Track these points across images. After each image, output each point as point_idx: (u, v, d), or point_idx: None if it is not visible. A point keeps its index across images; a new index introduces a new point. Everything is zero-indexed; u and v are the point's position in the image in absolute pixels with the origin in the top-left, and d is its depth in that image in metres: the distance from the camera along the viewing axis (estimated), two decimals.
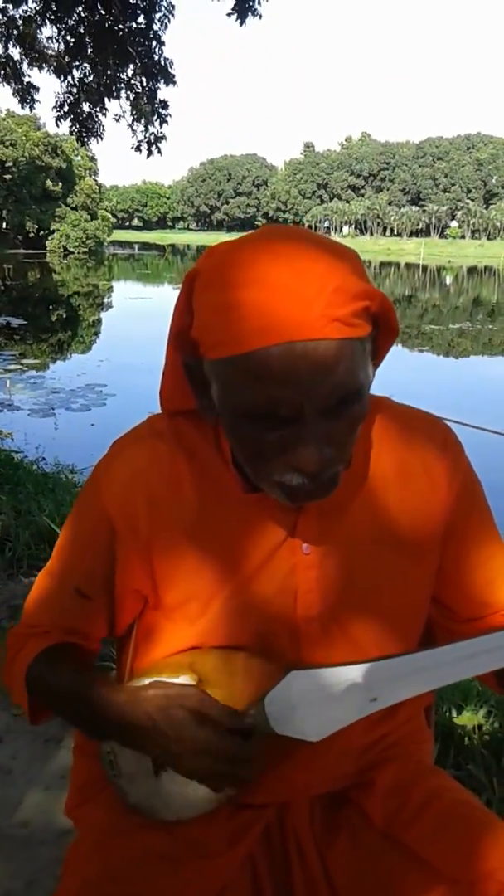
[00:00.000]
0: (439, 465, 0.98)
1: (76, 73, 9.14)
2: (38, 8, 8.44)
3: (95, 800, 1.05)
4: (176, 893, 0.89)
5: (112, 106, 9.50)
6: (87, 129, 9.62)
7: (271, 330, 0.74)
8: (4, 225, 67.21)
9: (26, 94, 9.38)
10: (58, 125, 9.62)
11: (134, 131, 9.51)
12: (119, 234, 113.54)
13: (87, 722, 0.97)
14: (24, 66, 9.06)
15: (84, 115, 9.47)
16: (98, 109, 9.44)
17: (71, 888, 0.88)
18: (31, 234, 67.49)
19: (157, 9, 8.67)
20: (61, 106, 9.32)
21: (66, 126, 9.57)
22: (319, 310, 0.74)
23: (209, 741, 0.86)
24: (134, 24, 8.67)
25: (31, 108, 9.76)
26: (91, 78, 9.16)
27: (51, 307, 25.25)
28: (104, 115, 9.51)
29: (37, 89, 9.50)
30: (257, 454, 0.82)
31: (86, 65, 9.09)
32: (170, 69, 9.07)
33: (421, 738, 1.13)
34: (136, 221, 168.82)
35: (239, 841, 0.98)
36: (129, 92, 9.21)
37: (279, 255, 0.76)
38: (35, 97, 9.59)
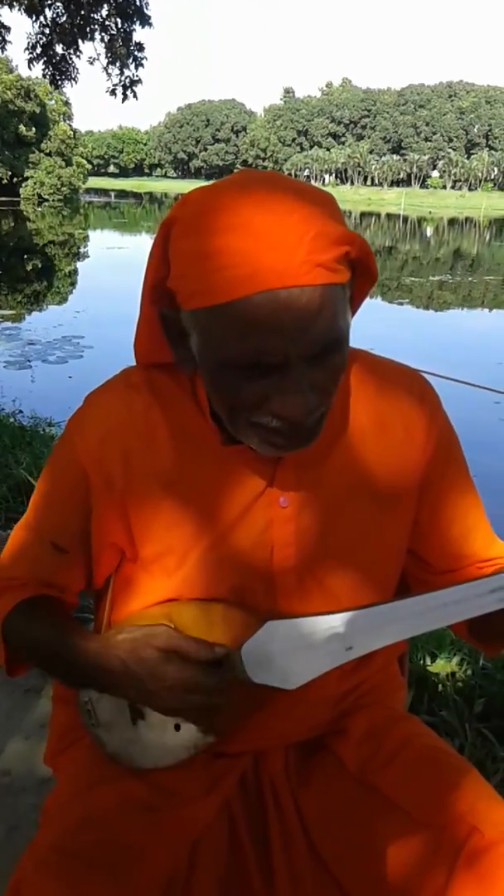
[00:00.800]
0: (416, 417, 0.98)
1: (49, 13, 8.87)
2: None
3: (74, 748, 1.06)
4: (154, 840, 0.91)
5: (86, 48, 9.24)
6: (60, 71, 9.37)
7: (254, 278, 0.72)
8: None
9: None
10: (30, 68, 9.38)
11: (109, 74, 9.30)
12: (95, 182, 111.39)
13: (64, 671, 0.98)
14: None
15: (57, 58, 9.22)
16: (72, 51, 9.19)
17: (50, 834, 0.90)
18: (4, 181, 65.94)
19: None
20: (34, 47, 9.06)
21: (38, 69, 9.34)
22: (302, 256, 0.72)
23: (181, 675, 0.87)
24: None
25: (3, 49, 9.48)
26: (64, 18, 8.88)
27: (25, 257, 24.76)
28: (78, 57, 9.27)
29: (8, 29, 9.22)
30: (239, 403, 0.81)
31: (59, 4, 8.80)
32: (145, 10, 8.82)
33: (394, 686, 1.16)
34: (112, 168, 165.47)
35: (215, 788, 1.00)
36: (103, 33, 8.97)
37: (258, 202, 0.75)
38: (6, 38, 9.29)
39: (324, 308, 0.75)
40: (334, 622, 0.88)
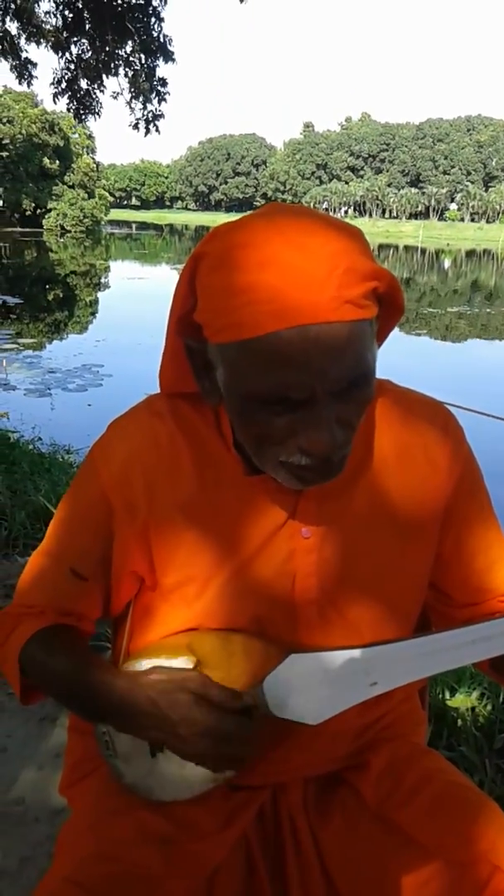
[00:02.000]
0: (440, 449, 0.98)
1: (74, 49, 9.05)
2: None
3: (89, 778, 1.05)
4: (169, 874, 0.90)
5: (110, 83, 9.45)
6: (84, 106, 9.53)
7: (283, 313, 0.72)
8: (1, 203, 66.68)
9: (24, 69, 9.28)
10: (55, 102, 9.54)
11: (132, 109, 9.44)
12: (116, 214, 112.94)
13: (85, 705, 0.96)
14: (22, 41, 8.95)
15: (82, 92, 9.38)
16: (96, 86, 9.35)
17: (64, 866, 0.88)
18: (28, 213, 67.01)
19: None
20: (59, 82, 9.23)
21: (63, 103, 9.49)
22: (331, 292, 0.72)
23: (212, 722, 0.87)
24: (133, 0, 8.56)
25: (29, 84, 9.67)
26: (89, 54, 9.06)
27: (47, 286, 25.08)
28: (102, 92, 9.43)
29: (34, 65, 9.40)
30: (265, 437, 0.81)
31: (84, 41, 8.99)
32: (169, 46, 8.99)
33: (415, 720, 1.14)
34: (133, 201, 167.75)
35: (233, 822, 0.98)
36: (127, 69, 9.12)
37: (287, 236, 0.75)
38: (33, 73, 9.49)
39: (351, 344, 0.75)
40: (358, 656, 0.87)
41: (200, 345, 0.83)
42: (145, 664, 0.93)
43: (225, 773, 0.93)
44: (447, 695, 2.27)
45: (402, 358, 11.66)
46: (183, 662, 0.91)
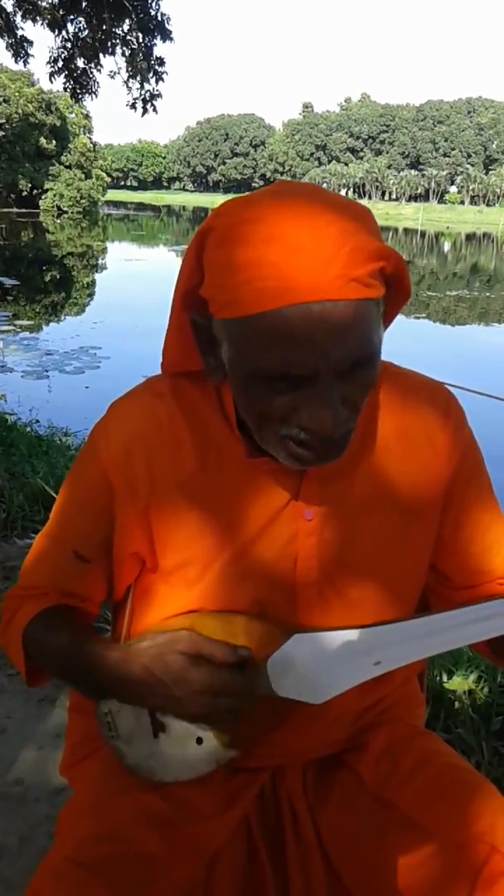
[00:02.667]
0: (441, 431, 0.97)
1: (71, 28, 8.99)
2: None
3: (90, 759, 1.06)
4: (170, 855, 0.90)
5: (107, 62, 9.36)
6: (81, 85, 9.47)
7: (288, 290, 0.72)
8: None
9: (20, 48, 9.21)
10: (52, 81, 9.50)
11: (129, 88, 9.39)
12: (114, 194, 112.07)
13: (84, 681, 0.97)
14: (18, 18, 8.87)
15: (78, 71, 9.32)
16: (93, 65, 9.30)
17: (65, 846, 0.89)
18: (25, 193, 66.53)
19: None
20: (55, 61, 9.16)
21: (60, 82, 9.44)
22: (337, 270, 0.72)
23: (208, 678, 0.87)
24: None
25: (25, 62, 9.60)
26: (86, 33, 8.99)
27: (44, 268, 24.95)
28: (99, 71, 9.38)
29: (31, 43, 9.33)
30: (268, 415, 0.80)
31: (80, 19, 8.91)
32: (166, 25, 8.92)
33: (414, 703, 1.14)
34: (131, 181, 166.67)
35: (233, 804, 0.99)
36: (124, 48, 9.06)
37: (295, 213, 0.74)
38: (29, 52, 9.41)
39: (357, 323, 0.74)
40: (362, 636, 0.87)
41: (206, 320, 0.83)
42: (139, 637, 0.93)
43: (228, 752, 0.94)
44: (445, 677, 2.28)
45: (403, 341, 11.63)
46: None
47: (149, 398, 0.95)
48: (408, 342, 12.05)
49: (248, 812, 1.01)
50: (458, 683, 2.25)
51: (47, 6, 8.83)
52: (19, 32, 9.04)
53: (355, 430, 0.88)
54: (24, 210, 62.04)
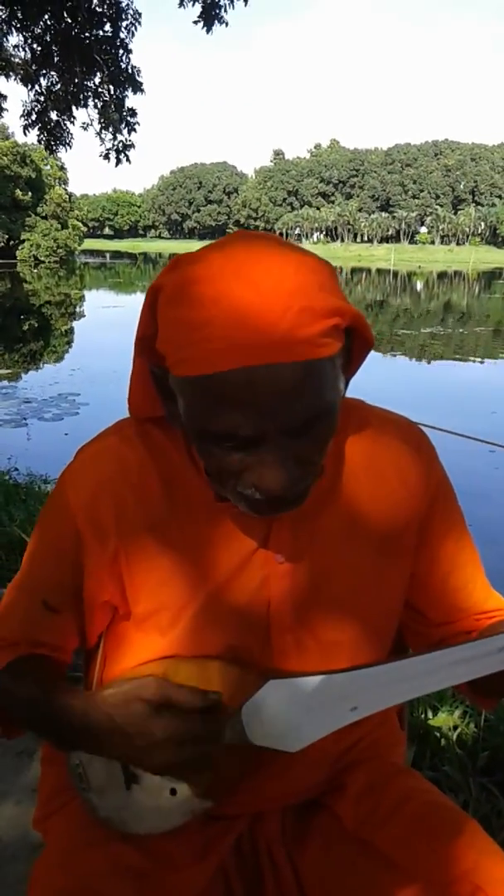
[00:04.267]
0: (413, 468, 0.97)
1: (43, 82, 9.12)
2: (3, 16, 8.41)
3: (63, 810, 1.03)
4: None
5: (80, 114, 9.50)
6: (55, 137, 9.58)
7: (232, 353, 0.71)
8: None
9: None
10: (26, 134, 9.61)
11: (102, 139, 9.50)
12: (90, 243, 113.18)
13: (51, 732, 0.95)
14: None
15: (52, 124, 9.44)
16: (66, 118, 9.42)
17: None
18: (1, 244, 66.97)
19: (123, 17, 8.67)
20: (29, 114, 9.28)
21: (34, 135, 9.54)
22: (283, 332, 0.71)
23: (170, 728, 0.84)
24: (101, 32, 8.66)
25: None
26: (58, 86, 9.13)
27: (22, 317, 25.02)
28: (72, 123, 9.49)
29: (4, 97, 9.45)
30: (222, 470, 0.80)
31: (53, 73, 9.06)
32: (137, 77, 9.07)
33: (394, 741, 1.13)
34: (107, 230, 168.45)
35: (210, 853, 0.97)
36: (96, 100, 9.19)
37: (243, 272, 0.73)
38: (2, 106, 9.54)
39: (306, 383, 0.73)
40: (338, 682, 0.85)
41: (164, 372, 0.82)
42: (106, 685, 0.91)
43: (203, 802, 0.92)
44: (429, 714, 2.26)
45: (378, 379, 11.73)
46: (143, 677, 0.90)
47: (116, 443, 0.95)
48: (384, 380, 12.16)
49: (225, 860, 0.99)
50: (444, 720, 2.23)
51: (20, 62, 9.00)
52: None
53: (326, 469, 0.88)
54: (0, 261, 62.33)
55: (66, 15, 8.42)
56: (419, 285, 55.01)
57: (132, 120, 9.47)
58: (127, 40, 8.80)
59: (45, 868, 0.93)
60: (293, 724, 0.86)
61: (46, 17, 8.42)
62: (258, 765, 0.93)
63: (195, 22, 8.21)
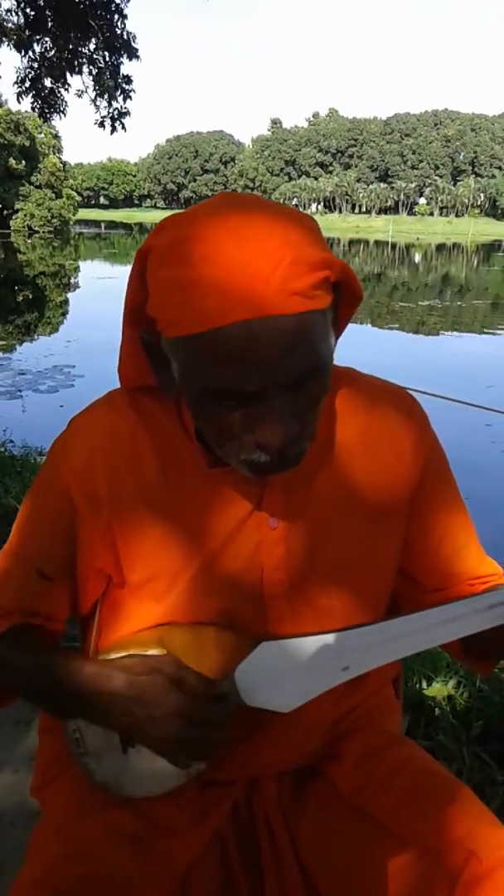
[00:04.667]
0: (405, 434, 0.97)
1: (37, 48, 8.97)
2: None
3: (60, 779, 1.04)
4: (142, 872, 0.88)
5: (75, 81, 9.36)
6: (49, 104, 9.45)
7: (227, 308, 0.71)
8: None
9: None
10: (19, 101, 9.52)
11: (97, 107, 9.38)
12: (85, 213, 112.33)
13: (54, 698, 0.95)
14: None
15: (46, 91, 9.30)
16: (60, 85, 9.28)
17: (34, 869, 0.87)
18: None
19: None
20: (22, 81, 9.15)
21: (27, 102, 9.40)
22: (277, 284, 0.71)
23: (187, 706, 0.86)
24: None
25: None
26: (52, 52, 8.98)
27: (16, 288, 24.84)
28: (66, 90, 9.36)
29: None
30: (220, 431, 0.80)
31: (47, 39, 8.91)
32: (133, 43, 8.94)
33: (389, 709, 1.14)
34: (102, 200, 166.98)
35: (206, 818, 0.98)
36: (91, 67, 9.07)
37: (233, 229, 0.73)
38: None
39: (300, 336, 0.74)
40: (329, 641, 0.86)
41: (154, 338, 0.82)
42: (115, 657, 0.92)
43: (198, 765, 0.92)
44: (424, 684, 2.28)
45: (375, 352, 11.73)
46: (155, 654, 0.90)
47: (108, 412, 0.94)
48: (382, 353, 12.14)
49: (222, 825, 1.00)
50: (438, 690, 2.25)
51: (13, 27, 8.84)
52: None
53: (318, 436, 0.87)
54: None
55: None
56: (417, 257, 54.76)
57: (127, 87, 9.36)
58: (122, 5, 8.66)
59: (43, 835, 0.94)
60: (285, 684, 0.87)
61: None
62: (253, 728, 0.94)
63: None
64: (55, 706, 0.97)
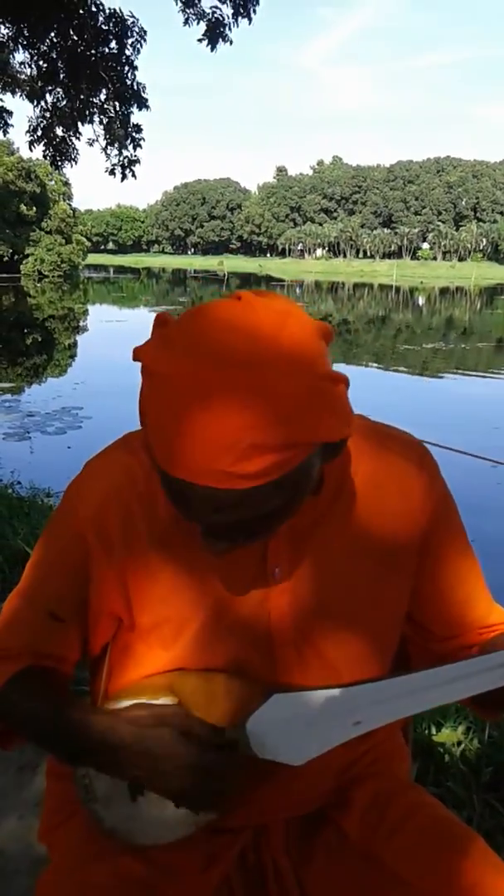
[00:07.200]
0: (415, 483, 0.98)
1: (49, 98, 9.21)
2: (10, 33, 8.50)
3: (68, 824, 1.03)
4: None
5: (85, 130, 9.56)
6: (60, 153, 9.67)
7: (174, 465, 0.73)
8: None
9: None
10: (31, 150, 9.68)
11: (107, 155, 9.59)
12: (94, 258, 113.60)
13: (63, 746, 0.94)
14: None
15: (57, 140, 9.52)
16: (71, 133, 9.51)
17: None
18: (5, 259, 67.23)
19: (129, 34, 8.77)
20: (34, 130, 9.37)
21: (39, 150, 9.62)
22: (225, 465, 0.71)
23: (195, 758, 0.86)
24: (106, 50, 8.76)
25: (5, 132, 9.83)
26: (64, 102, 9.23)
27: (25, 331, 25.06)
28: (77, 139, 9.58)
29: (10, 114, 9.56)
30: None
31: (59, 90, 9.16)
32: (142, 94, 9.16)
33: (398, 755, 1.13)
34: (110, 245, 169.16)
35: (214, 865, 0.97)
36: (102, 116, 9.29)
37: (207, 395, 0.71)
38: (8, 122, 9.64)
39: (243, 504, 0.75)
40: (343, 696, 0.86)
41: None
42: (125, 705, 0.92)
43: (206, 814, 0.92)
44: (433, 730, 2.25)
45: (380, 394, 11.78)
46: (165, 703, 0.90)
47: (124, 455, 0.95)
48: (387, 395, 12.18)
49: (230, 873, 0.99)
50: (447, 736, 2.22)
51: (26, 78, 9.09)
52: None
53: (328, 483, 0.88)
54: (4, 275, 62.53)
55: (72, 32, 8.52)
56: (421, 301, 55.11)
57: (137, 136, 9.57)
58: (132, 57, 8.90)
59: (52, 881, 0.94)
60: (297, 738, 0.86)
61: (53, 34, 8.52)
62: (262, 777, 0.93)
63: (199, 40, 8.32)
64: (64, 754, 0.96)
